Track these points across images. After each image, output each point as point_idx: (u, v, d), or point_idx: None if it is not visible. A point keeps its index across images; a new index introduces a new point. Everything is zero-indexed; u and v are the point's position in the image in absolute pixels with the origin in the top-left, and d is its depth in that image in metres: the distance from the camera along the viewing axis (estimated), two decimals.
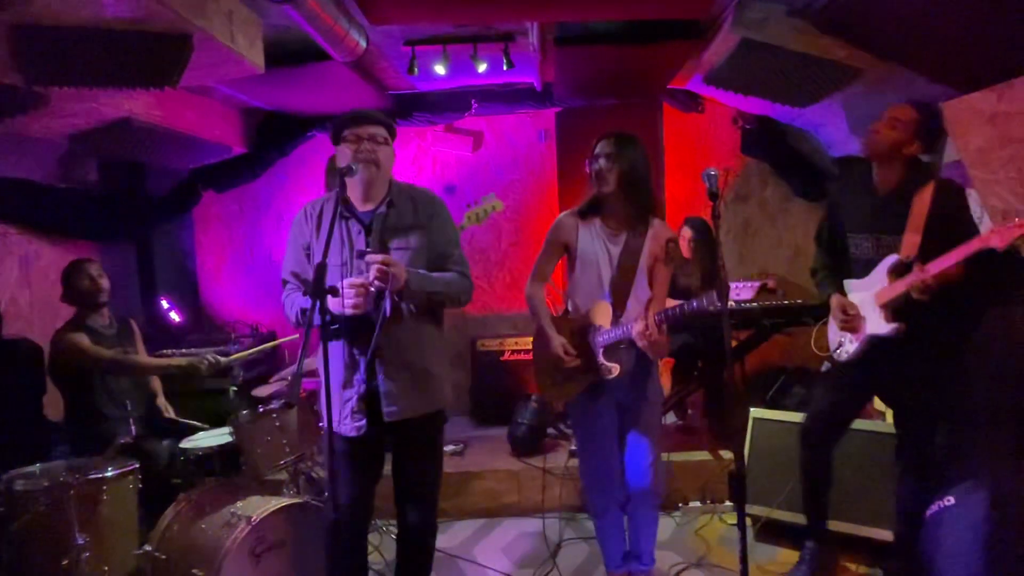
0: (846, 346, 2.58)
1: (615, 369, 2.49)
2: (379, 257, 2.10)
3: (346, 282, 2.11)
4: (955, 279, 2.26)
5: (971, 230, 2.39)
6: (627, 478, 2.63)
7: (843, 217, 2.64)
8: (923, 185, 2.41)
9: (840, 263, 2.66)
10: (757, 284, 4.36)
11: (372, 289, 2.12)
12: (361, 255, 2.17)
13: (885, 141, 2.45)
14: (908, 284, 2.32)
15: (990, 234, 2.13)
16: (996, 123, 2.82)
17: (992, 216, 3.00)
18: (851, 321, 2.53)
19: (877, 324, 2.46)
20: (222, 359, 3.17)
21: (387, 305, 2.16)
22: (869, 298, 2.49)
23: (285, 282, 2.38)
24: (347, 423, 2.24)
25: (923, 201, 2.40)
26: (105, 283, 3.19)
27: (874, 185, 2.55)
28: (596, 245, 2.56)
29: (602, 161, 2.50)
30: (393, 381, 2.22)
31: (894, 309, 2.42)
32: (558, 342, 2.56)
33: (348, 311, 2.09)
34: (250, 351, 3.52)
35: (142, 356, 3.32)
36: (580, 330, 2.58)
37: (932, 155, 3.43)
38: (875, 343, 2.49)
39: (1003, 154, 2.85)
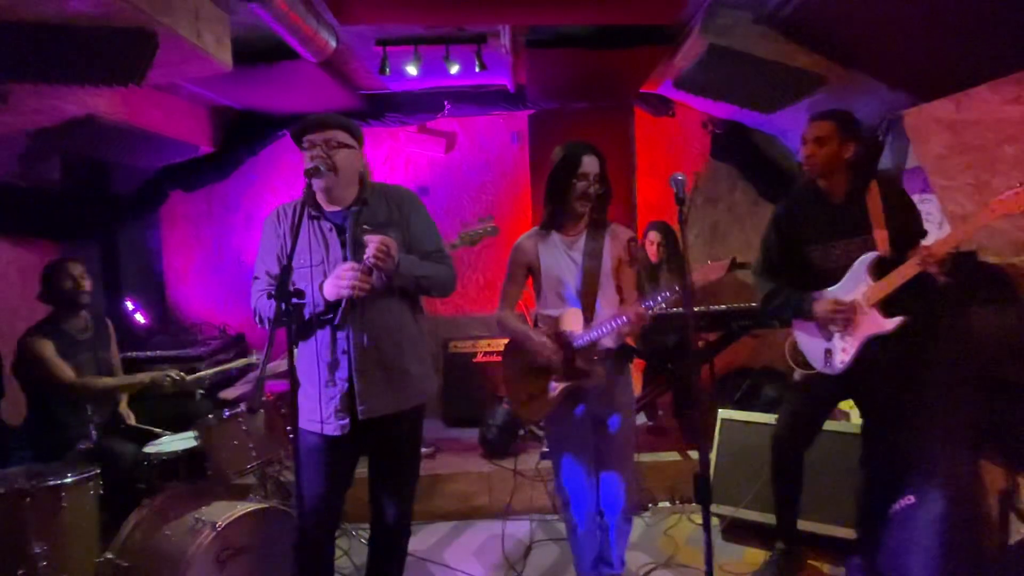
0: (839, 356, 2.54)
1: (597, 372, 2.46)
2: (378, 238, 2.09)
3: (343, 266, 2.10)
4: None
5: (917, 211, 2.58)
6: (602, 498, 2.59)
7: (800, 233, 2.63)
8: (868, 185, 2.53)
9: (797, 280, 2.66)
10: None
11: (367, 270, 2.10)
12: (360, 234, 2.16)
13: (822, 158, 2.53)
14: (913, 271, 2.34)
15: (997, 203, 2.19)
16: (955, 131, 2.91)
17: (951, 221, 3.09)
18: (848, 316, 2.49)
19: (876, 324, 2.45)
20: (187, 377, 3.09)
21: (377, 282, 2.15)
22: (856, 302, 2.50)
23: (256, 278, 2.34)
24: (331, 422, 2.21)
25: (874, 199, 2.50)
26: (88, 284, 3.10)
27: (825, 195, 2.61)
28: (558, 257, 2.55)
29: (595, 186, 2.44)
30: (367, 379, 2.20)
31: (888, 305, 2.45)
32: (541, 340, 2.49)
33: (347, 292, 2.07)
34: (216, 369, 3.41)
35: (101, 379, 3.15)
36: (551, 340, 2.55)
37: (895, 163, 3.52)
38: (867, 346, 2.49)
39: (961, 161, 2.93)
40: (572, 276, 2.54)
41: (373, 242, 2.08)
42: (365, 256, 2.08)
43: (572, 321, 2.51)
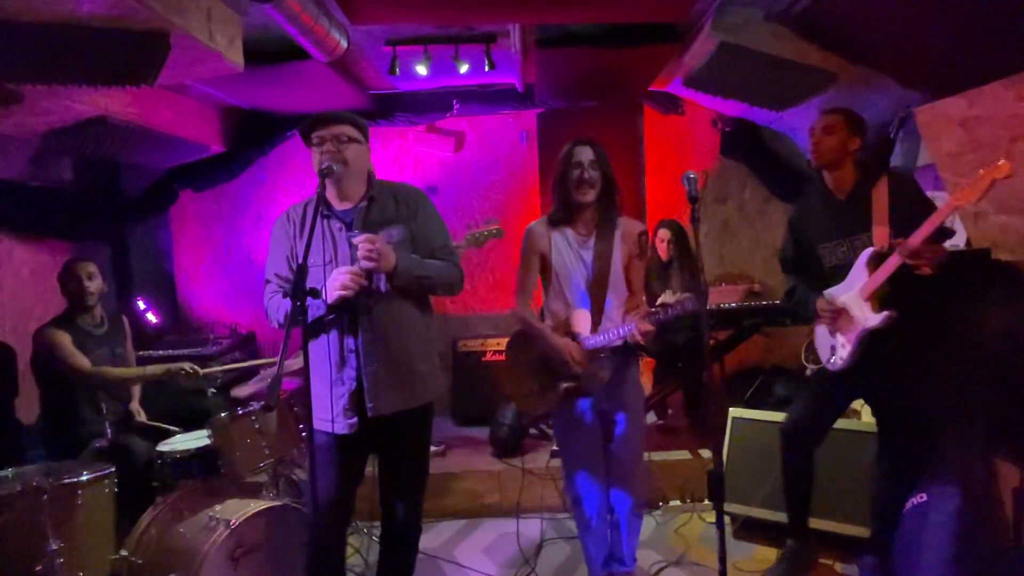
0: (839, 352, 2.57)
1: (601, 375, 2.48)
2: (364, 236, 2.10)
3: (338, 270, 2.12)
4: (940, 260, 2.30)
5: (931, 208, 2.51)
6: (612, 494, 2.61)
7: (809, 231, 2.67)
8: (877, 180, 2.53)
9: (813, 278, 2.67)
10: (743, 288, 4.38)
11: (360, 272, 2.11)
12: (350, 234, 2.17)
13: (830, 146, 2.55)
14: (896, 263, 2.33)
15: (960, 192, 2.20)
16: (967, 128, 2.89)
17: (963, 219, 3.08)
18: (836, 317, 2.52)
19: (867, 318, 2.46)
20: (201, 371, 3.13)
21: (381, 283, 2.17)
22: (854, 297, 2.51)
23: (268, 281, 2.36)
24: (340, 421, 2.23)
25: (881, 194, 2.50)
26: (94, 286, 3.16)
27: (831, 192, 2.62)
28: (570, 254, 2.56)
29: (589, 171, 2.49)
30: (376, 377, 2.21)
31: (880, 299, 2.45)
32: (570, 348, 2.49)
33: (336, 293, 2.09)
34: (229, 367, 3.43)
35: (117, 368, 3.21)
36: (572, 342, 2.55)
37: (906, 160, 3.51)
38: (867, 343, 2.49)
39: (973, 158, 2.92)
40: (582, 276, 2.55)
41: (361, 242, 2.09)
42: (358, 258, 2.10)
43: (580, 323, 2.53)
